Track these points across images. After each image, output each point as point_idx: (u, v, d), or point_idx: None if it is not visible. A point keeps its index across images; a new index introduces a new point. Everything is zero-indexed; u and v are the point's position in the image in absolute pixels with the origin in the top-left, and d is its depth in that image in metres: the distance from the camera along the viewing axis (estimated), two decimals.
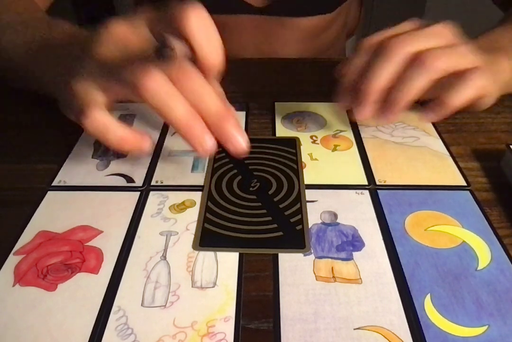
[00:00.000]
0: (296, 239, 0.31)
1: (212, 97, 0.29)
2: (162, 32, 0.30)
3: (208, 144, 0.30)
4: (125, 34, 0.31)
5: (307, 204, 0.34)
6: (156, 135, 0.42)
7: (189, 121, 0.29)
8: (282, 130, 0.43)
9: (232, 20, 0.64)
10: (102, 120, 0.30)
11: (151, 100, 0.28)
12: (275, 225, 0.32)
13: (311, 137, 0.42)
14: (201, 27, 0.29)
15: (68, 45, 0.36)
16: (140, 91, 0.28)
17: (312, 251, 0.30)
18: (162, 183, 0.36)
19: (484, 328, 0.26)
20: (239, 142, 0.30)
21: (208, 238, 0.31)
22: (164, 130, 0.43)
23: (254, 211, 0.34)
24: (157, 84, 0.28)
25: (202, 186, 0.36)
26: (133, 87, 0.29)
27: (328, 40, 0.73)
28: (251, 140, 0.40)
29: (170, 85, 0.29)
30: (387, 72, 0.34)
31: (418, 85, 0.34)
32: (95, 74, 0.31)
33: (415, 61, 0.33)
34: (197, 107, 0.29)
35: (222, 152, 0.39)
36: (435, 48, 0.34)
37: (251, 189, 0.36)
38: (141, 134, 0.32)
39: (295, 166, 0.38)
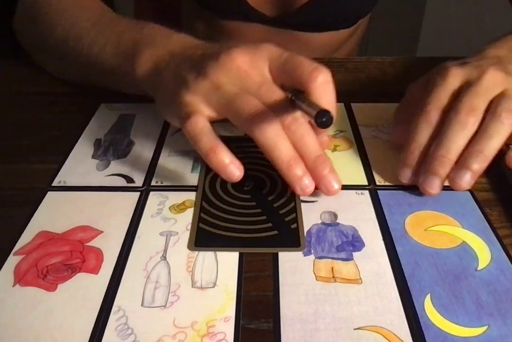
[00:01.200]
0: (291, 237, 0.31)
1: (314, 144, 0.33)
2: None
3: (306, 184, 0.33)
4: (246, 67, 0.33)
5: (308, 204, 0.34)
6: (156, 135, 0.42)
7: (291, 161, 0.32)
8: None
9: (243, 28, 0.63)
10: (202, 125, 0.32)
11: (260, 138, 0.32)
12: (270, 224, 0.32)
13: None
14: (325, 91, 0.32)
15: (185, 58, 0.37)
16: (251, 129, 0.32)
17: (311, 251, 0.30)
18: (162, 183, 0.36)
19: (484, 328, 0.26)
20: (332, 184, 0.33)
21: (203, 238, 0.31)
22: (164, 130, 0.43)
23: (249, 210, 0.34)
24: (269, 127, 0.31)
25: (196, 186, 0.36)
26: (244, 122, 0.32)
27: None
28: (243, 139, 0.40)
29: (280, 128, 0.32)
30: (465, 138, 0.33)
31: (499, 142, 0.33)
32: (207, 95, 0.33)
33: (491, 118, 0.32)
34: (300, 150, 0.33)
35: None
36: (499, 103, 0.33)
37: (245, 188, 0.36)
38: (235, 160, 0.32)
39: None
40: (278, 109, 0.32)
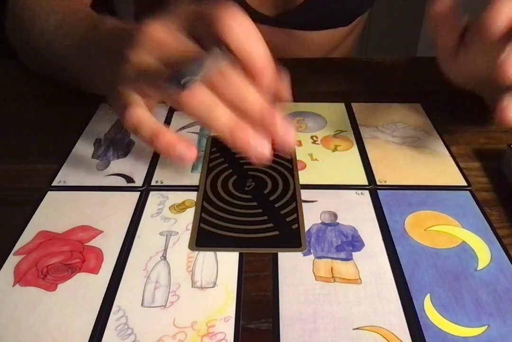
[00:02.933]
0: (292, 238, 0.31)
1: (253, 97, 0.29)
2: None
3: (258, 147, 0.29)
4: (162, 38, 0.30)
5: (308, 204, 0.34)
6: None
7: (234, 128, 0.29)
8: None
9: None
10: (138, 115, 0.30)
11: (192, 112, 0.29)
12: (271, 224, 0.32)
13: (312, 137, 0.42)
14: (243, 30, 0.28)
15: (110, 47, 0.35)
16: (180, 105, 0.29)
17: (311, 251, 0.30)
18: (162, 183, 0.36)
19: (484, 328, 0.26)
20: (289, 134, 0.29)
21: (204, 238, 0.31)
22: None
23: (250, 210, 0.34)
24: (197, 98, 0.28)
25: (197, 186, 0.36)
26: (173, 100, 0.29)
27: (340, 56, 0.71)
28: None
29: (210, 96, 0.28)
30: None
31: None
32: (134, 80, 0.31)
33: None
34: (240, 110, 0.29)
35: (217, 153, 0.39)
36: None
37: (246, 188, 0.36)
38: (182, 139, 0.29)
39: (290, 165, 0.38)
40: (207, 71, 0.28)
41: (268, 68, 0.30)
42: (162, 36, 0.30)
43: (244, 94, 0.29)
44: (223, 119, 0.29)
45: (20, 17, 0.48)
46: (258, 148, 0.29)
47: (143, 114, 0.30)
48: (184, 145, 0.29)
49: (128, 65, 0.31)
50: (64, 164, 0.38)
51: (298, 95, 0.49)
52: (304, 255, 0.30)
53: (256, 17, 0.61)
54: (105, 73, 0.35)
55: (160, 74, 0.29)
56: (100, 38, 0.38)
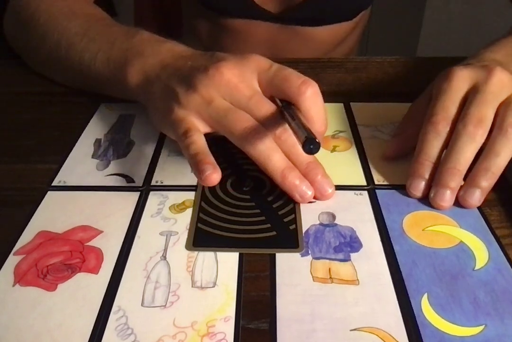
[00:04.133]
0: (289, 238, 0.31)
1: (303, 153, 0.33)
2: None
3: (303, 190, 0.33)
4: (235, 81, 0.34)
5: (306, 204, 0.34)
6: (156, 135, 0.42)
7: (285, 171, 0.33)
8: None
9: (246, 26, 0.64)
10: (194, 138, 0.33)
11: (252, 152, 0.33)
12: (269, 225, 0.32)
13: None
14: (314, 104, 0.34)
15: (175, 70, 0.37)
16: (243, 144, 0.33)
17: (309, 252, 0.30)
18: (162, 183, 0.37)
19: (481, 327, 0.26)
20: (326, 189, 0.34)
21: (201, 238, 0.31)
22: None
23: (248, 210, 0.34)
24: (260, 140, 0.32)
25: (196, 186, 0.36)
26: (236, 137, 0.33)
27: (343, 54, 0.71)
28: None
29: (271, 141, 0.33)
30: (474, 150, 0.33)
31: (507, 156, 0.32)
32: (199, 109, 0.34)
33: (497, 134, 0.32)
34: (292, 158, 0.34)
35: (215, 153, 0.39)
36: (506, 116, 0.32)
37: (244, 188, 0.36)
38: (214, 163, 0.31)
39: None
40: (268, 121, 0.33)
41: (321, 135, 0.35)
42: (235, 79, 0.34)
43: (296, 148, 0.33)
44: (277, 162, 0.33)
45: (27, 21, 0.48)
46: (303, 187, 0.33)
47: (198, 137, 0.33)
48: (212, 165, 0.31)
49: (197, 95, 0.34)
50: (64, 164, 0.39)
51: None
52: (302, 255, 0.30)
53: (260, 14, 0.61)
54: (158, 94, 0.37)
55: (227, 112, 0.33)
56: (143, 50, 0.40)
